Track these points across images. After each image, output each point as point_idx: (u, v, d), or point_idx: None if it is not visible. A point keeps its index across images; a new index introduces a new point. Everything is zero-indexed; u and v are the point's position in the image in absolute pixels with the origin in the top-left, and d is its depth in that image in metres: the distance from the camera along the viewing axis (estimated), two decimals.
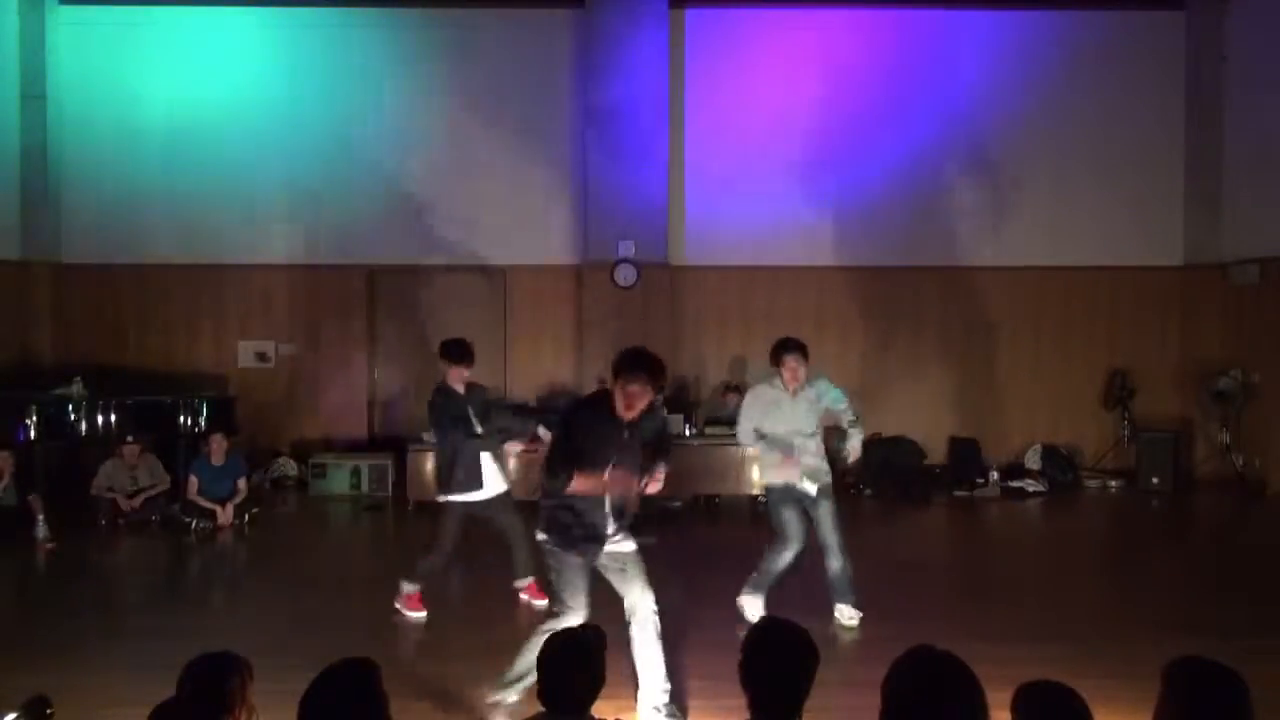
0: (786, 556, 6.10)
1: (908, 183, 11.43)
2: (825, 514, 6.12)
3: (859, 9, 11.51)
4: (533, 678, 4.33)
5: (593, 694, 2.94)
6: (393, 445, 10.67)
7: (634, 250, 11.07)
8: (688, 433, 9.38)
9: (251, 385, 11.14)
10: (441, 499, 6.37)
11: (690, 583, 6.50)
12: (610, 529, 4.52)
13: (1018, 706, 2.58)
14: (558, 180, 11.41)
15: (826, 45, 11.51)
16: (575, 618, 4.38)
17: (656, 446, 4.68)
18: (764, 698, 2.74)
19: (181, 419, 9.76)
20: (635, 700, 4.53)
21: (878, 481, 10.48)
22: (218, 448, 9.09)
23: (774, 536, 6.16)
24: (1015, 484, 10.67)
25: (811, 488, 6.11)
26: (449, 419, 6.32)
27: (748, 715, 2.76)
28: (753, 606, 6.08)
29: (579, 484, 4.36)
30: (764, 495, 6.33)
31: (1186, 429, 11.30)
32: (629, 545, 4.61)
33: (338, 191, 11.29)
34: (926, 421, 11.43)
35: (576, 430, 4.50)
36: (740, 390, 10.44)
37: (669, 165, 11.20)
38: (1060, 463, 11.13)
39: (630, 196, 11.05)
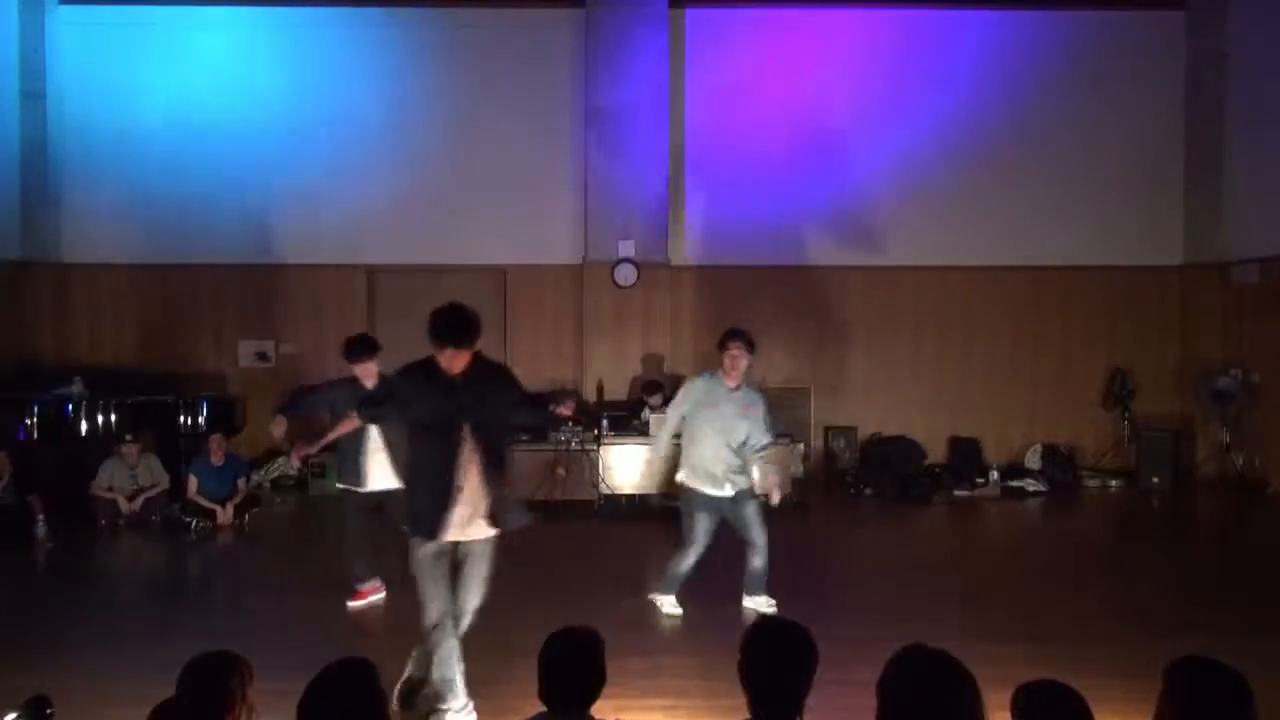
0: (689, 561, 6.17)
1: (907, 182, 11.44)
2: (748, 513, 6.15)
3: (859, 9, 11.51)
4: (458, 677, 4.38)
5: (593, 693, 2.94)
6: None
7: (634, 250, 11.07)
8: None
9: (252, 385, 11.14)
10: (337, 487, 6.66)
11: (689, 583, 6.49)
12: (459, 511, 4.38)
13: (1018, 706, 2.58)
14: (558, 180, 11.41)
15: (826, 45, 11.51)
16: (434, 611, 4.38)
17: (530, 405, 4.66)
18: (764, 698, 2.74)
19: (181, 418, 9.76)
20: (635, 700, 4.53)
21: (878, 481, 10.48)
22: (217, 448, 9.09)
23: (680, 538, 6.22)
24: (1015, 483, 10.67)
25: (730, 490, 6.11)
26: (340, 409, 6.36)
27: (747, 715, 2.76)
28: (668, 604, 6.24)
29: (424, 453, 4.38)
30: (681, 496, 6.31)
31: (1187, 428, 11.30)
32: (481, 534, 4.47)
33: (338, 191, 11.29)
34: (926, 421, 11.44)
35: (401, 387, 4.51)
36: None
37: (669, 165, 11.20)
38: (1060, 462, 11.13)
39: (630, 196, 11.06)
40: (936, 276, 11.55)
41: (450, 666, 4.42)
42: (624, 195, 11.06)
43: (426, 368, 4.42)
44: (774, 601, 6.20)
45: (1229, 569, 7.72)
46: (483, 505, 4.43)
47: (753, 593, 6.27)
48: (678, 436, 6.41)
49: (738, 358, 6.04)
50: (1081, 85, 11.49)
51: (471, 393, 4.39)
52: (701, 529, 6.13)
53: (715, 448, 6.07)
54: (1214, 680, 2.54)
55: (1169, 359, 11.62)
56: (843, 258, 11.49)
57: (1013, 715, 2.59)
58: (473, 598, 4.54)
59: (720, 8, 11.46)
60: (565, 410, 4.61)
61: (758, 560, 6.19)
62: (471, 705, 4.46)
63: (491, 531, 4.50)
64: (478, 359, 4.45)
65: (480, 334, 4.40)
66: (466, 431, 4.37)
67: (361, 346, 6.53)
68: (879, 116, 11.47)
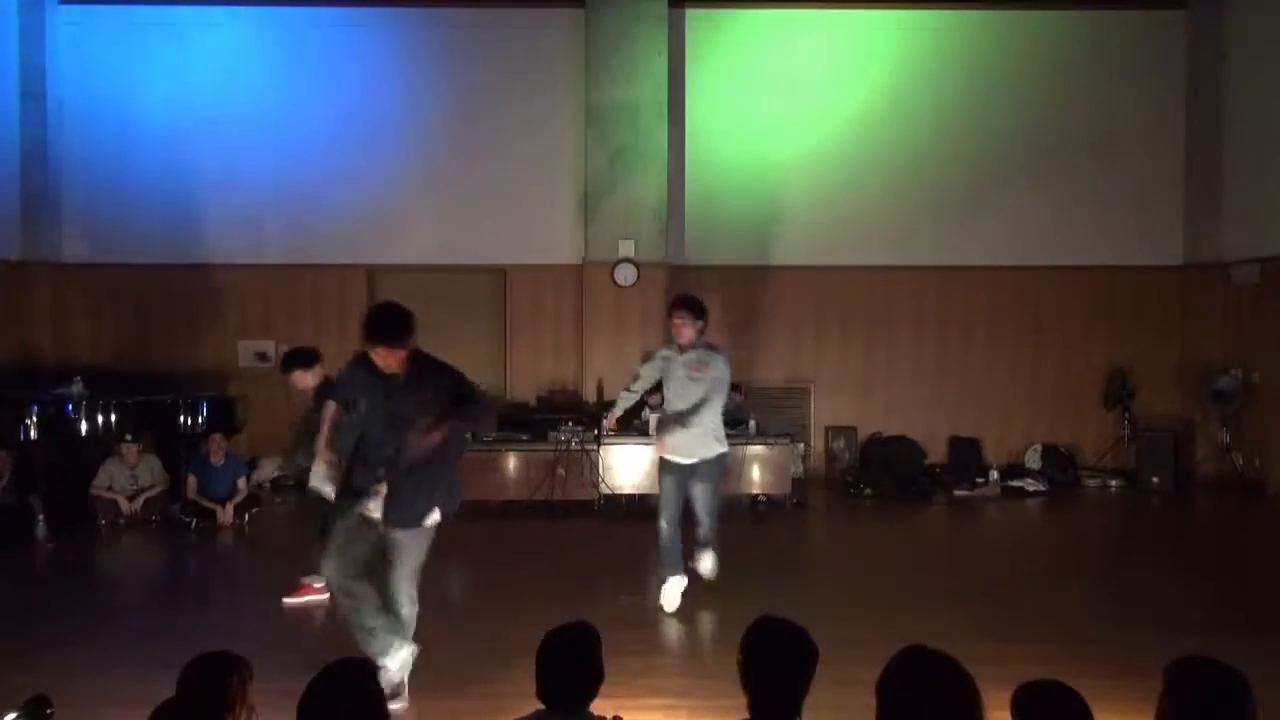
0: (665, 528, 6.18)
1: (907, 182, 11.45)
2: (700, 492, 6.18)
3: (859, 9, 11.50)
4: (378, 624, 4.47)
5: (591, 691, 2.94)
6: None
7: (634, 250, 11.07)
8: None
9: (252, 385, 11.13)
10: None
11: (690, 582, 6.49)
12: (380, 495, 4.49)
13: (1018, 706, 2.58)
14: (558, 180, 11.41)
15: (826, 45, 11.52)
16: (331, 570, 4.49)
17: (453, 402, 4.60)
18: (764, 697, 2.74)
19: (181, 418, 9.75)
20: (634, 699, 4.53)
21: (878, 481, 10.48)
22: (216, 448, 9.09)
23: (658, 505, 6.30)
24: (1015, 483, 10.67)
25: (687, 460, 6.13)
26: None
27: (747, 715, 2.76)
28: (670, 592, 6.20)
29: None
30: None
31: (1187, 428, 11.30)
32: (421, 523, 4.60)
33: (338, 191, 11.29)
34: (927, 421, 11.44)
35: (345, 384, 4.60)
36: (740, 389, 10.46)
37: (669, 165, 11.20)
38: (1060, 462, 11.13)
39: (630, 195, 11.06)
40: (936, 276, 11.54)
41: (369, 616, 4.49)
42: (624, 195, 11.06)
43: (369, 364, 4.50)
44: (712, 564, 6.30)
45: (1229, 569, 7.72)
46: (418, 498, 4.53)
47: (701, 549, 6.34)
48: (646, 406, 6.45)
49: (680, 326, 6.10)
50: (1081, 85, 11.49)
51: (410, 391, 4.47)
52: (666, 491, 6.19)
53: (670, 424, 6.15)
54: (1214, 680, 2.54)
55: (1169, 359, 11.62)
56: (842, 257, 11.48)
57: (1012, 715, 2.58)
58: (405, 583, 4.59)
59: (720, 8, 11.46)
60: (425, 439, 4.42)
61: (701, 529, 6.29)
62: (413, 648, 4.58)
63: (432, 518, 4.59)
64: (419, 357, 4.51)
65: (412, 333, 4.45)
66: (404, 431, 4.44)
67: (305, 359, 6.61)
68: (877, 116, 11.47)
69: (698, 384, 6.11)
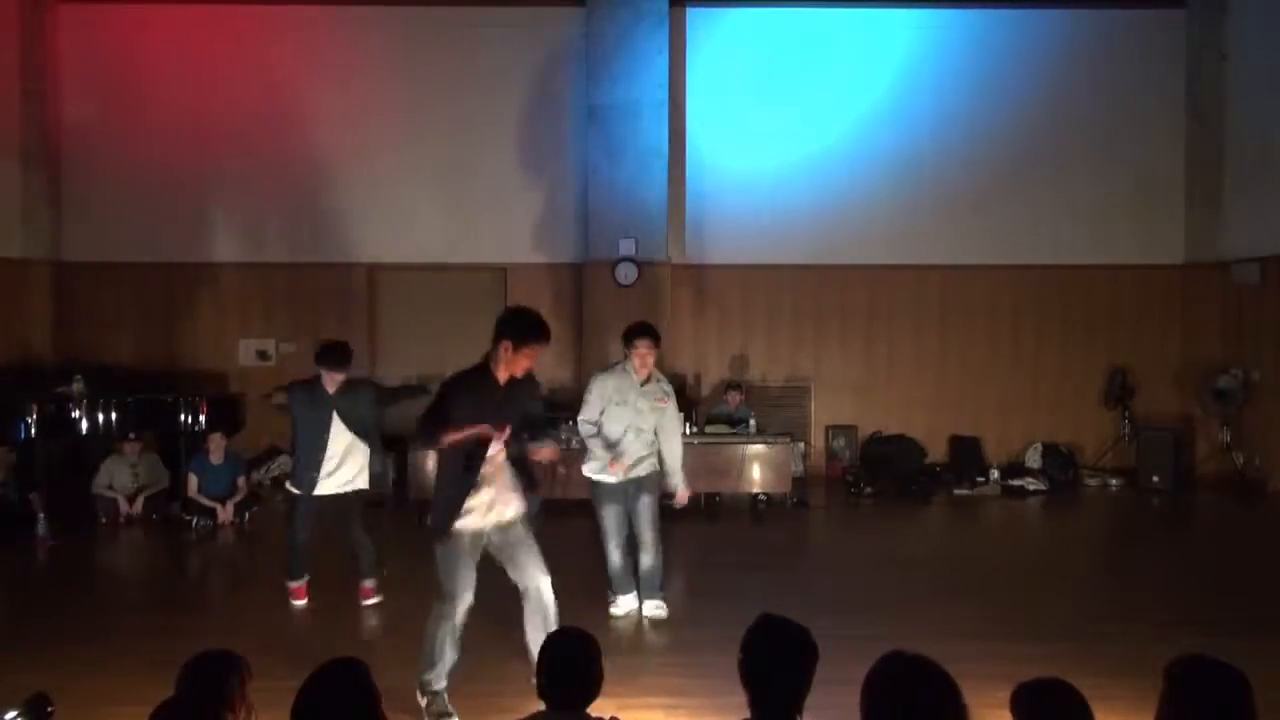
0: (615, 555, 6.12)
1: (908, 181, 11.43)
2: (644, 507, 6.11)
3: (859, 9, 11.50)
4: (444, 662, 4.52)
5: (592, 692, 2.94)
6: (393, 443, 10.64)
7: (635, 249, 11.06)
8: (688, 431, 9.38)
9: (252, 383, 11.13)
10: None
11: (690, 581, 6.50)
12: (504, 499, 4.67)
13: (1018, 705, 2.58)
14: (558, 179, 11.41)
15: (827, 44, 11.51)
16: (462, 604, 4.58)
17: (534, 417, 4.89)
18: (764, 696, 2.74)
19: (181, 417, 9.75)
20: (635, 699, 4.54)
21: (878, 480, 10.48)
22: (215, 446, 9.08)
23: (602, 535, 6.16)
24: (1016, 482, 10.67)
25: (636, 474, 6.10)
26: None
27: (747, 715, 2.76)
28: (624, 606, 6.10)
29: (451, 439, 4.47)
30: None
31: (1187, 427, 11.29)
32: (516, 511, 4.73)
33: (338, 189, 11.29)
34: (927, 420, 11.43)
35: (455, 396, 4.63)
36: (741, 388, 10.46)
37: (669, 163, 11.18)
38: (1060, 461, 11.13)
39: (631, 195, 11.05)
40: (937, 275, 11.54)
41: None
42: (624, 193, 11.05)
43: (481, 373, 4.76)
44: (663, 605, 6.11)
45: (1229, 569, 7.72)
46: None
47: (646, 594, 6.15)
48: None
49: (646, 355, 6.05)
50: (1081, 85, 11.48)
51: (516, 406, 4.84)
52: (613, 520, 6.10)
53: (624, 442, 6.07)
54: (1214, 678, 2.54)
55: (1169, 358, 11.61)
56: (843, 257, 11.47)
57: (1013, 713, 2.58)
58: (544, 579, 4.90)
59: (721, 7, 11.45)
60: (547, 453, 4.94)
61: (646, 558, 6.12)
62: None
63: (520, 509, 4.86)
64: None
65: None
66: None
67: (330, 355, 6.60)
68: (878, 115, 11.46)
69: (656, 414, 6.11)
